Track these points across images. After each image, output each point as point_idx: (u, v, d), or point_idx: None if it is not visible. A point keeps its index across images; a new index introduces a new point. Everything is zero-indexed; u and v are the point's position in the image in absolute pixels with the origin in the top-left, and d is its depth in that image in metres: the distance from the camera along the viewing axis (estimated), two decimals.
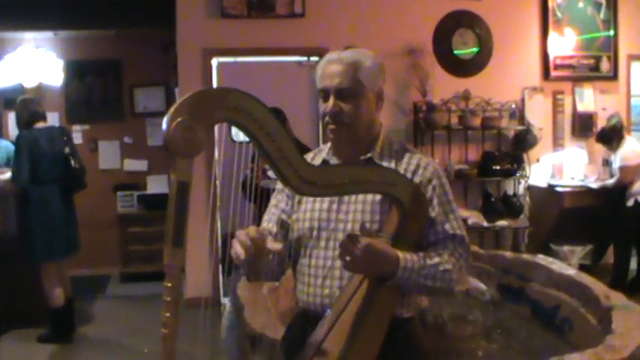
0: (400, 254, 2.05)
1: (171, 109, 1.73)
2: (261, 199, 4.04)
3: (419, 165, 2.21)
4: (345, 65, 2.18)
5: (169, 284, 1.78)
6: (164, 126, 1.72)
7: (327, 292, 2.20)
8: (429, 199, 2.17)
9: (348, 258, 1.97)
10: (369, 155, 2.23)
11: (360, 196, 2.19)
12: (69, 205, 5.93)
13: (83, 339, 6.00)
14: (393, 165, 2.21)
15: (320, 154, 2.36)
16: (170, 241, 1.76)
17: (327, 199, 2.23)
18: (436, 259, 2.11)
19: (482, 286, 4.17)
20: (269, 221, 2.35)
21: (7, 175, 6.02)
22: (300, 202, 2.30)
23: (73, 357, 5.70)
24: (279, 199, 2.38)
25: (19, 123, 5.94)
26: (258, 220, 2.45)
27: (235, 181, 2.30)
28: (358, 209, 2.19)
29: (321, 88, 2.21)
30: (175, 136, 1.71)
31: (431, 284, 2.10)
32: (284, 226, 2.33)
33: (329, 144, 2.34)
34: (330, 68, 2.20)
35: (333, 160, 2.29)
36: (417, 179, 2.18)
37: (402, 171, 2.18)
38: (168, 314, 1.79)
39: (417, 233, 2.14)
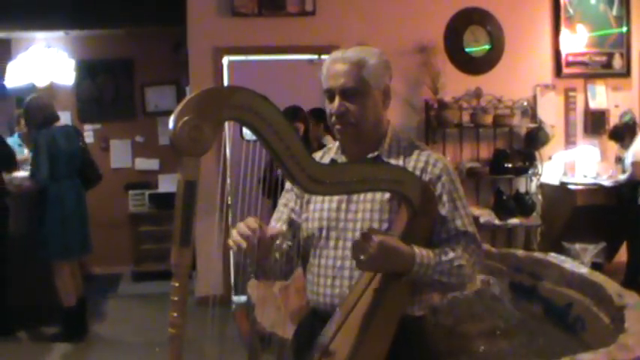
0: (416, 250, 2.04)
1: (178, 108, 1.72)
2: (276, 193, 4.04)
3: (428, 162, 2.20)
4: (350, 64, 2.16)
5: (177, 284, 1.77)
6: (171, 125, 1.71)
7: (337, 292, 2.19)
8: (438, 196, 2.16)
9: (362, 257, 1.96)
10: (376, 153, 2.22)
11: (369, 195, 2.18)
12: (83, 205, 5.97)
13: (95, 338, 6.01)
14: (401, 162, 2.20)
15: (329, 153, 2.35)
16: (177, 241, 1.76)
17: (335, 199, 2.23)
18: (451, 255, 2.10)
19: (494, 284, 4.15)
20: (278, 220, 2.35)
21: (22, 173, 6.07)
22: (309, 202, 2.30)
23: (85, 356, 5.71)
24: (289, 199, 2.38)
25: (32, 123, 5.96)
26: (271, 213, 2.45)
27: (243, 179, 2.29)
28: (367, 208, 2.18)
29: (327, 88, 2.20)
30: (182, 135, 1.70)
31: (446, 280, 2.09)
32: (293, 225, 2.33)
33: (337, 143, 2.33)
34: (334, 68, 2.18)
35: (342, 159, 2.28)
36: (426, 176, 2.16)
37: (410, 168, 2.17)
38: (175, 314, 1.78)
39: (427, 231, 2.14)
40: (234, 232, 2.00)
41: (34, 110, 5.88)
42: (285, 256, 2.25)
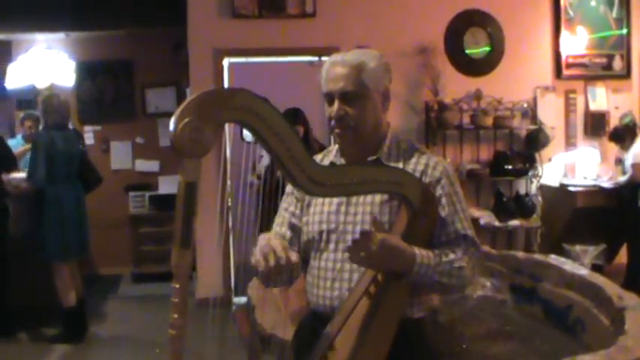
0: (417, 250, 2.04)
1: (179, 110, 1.73)
2: (277, 194, 4.05)
3: (427, 165, 2.20)
4: (349, 68, 2.16)
5: (177, 285, 1.78)
6: (171, 126, 1.71)
7: (337, 294, 2.20)
8: (438, 199, 2.16)
9: (363, 254, 1.96)
10: (376, 156, 2.22)
11: (369, 198, 2.18)
12: (81, 207, 5.97)
13: (95, 339, 6.02)
14: (401, 165, 2.20)
15: (328, 156, 2.35)
16: (178, 242, 1.76)
17: (335, 202, 2.23)
18: (451, 256, 2.11)
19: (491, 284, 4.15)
20: (281, 225, 2.35)
21: (21, 174, 6.06)
22: (309, 205, 2.30)
23: (85, 357, 5.72)
24: (289, 202, 2.38)
25: (46, 119, 5.94)
26: (272, 216, 2.45)
27: (244, 181, 2.30)
28: (367, 211, 2.18)
29: (326, 92, 2.20)
30: (183, 137, 1.71)
31: (446, 281, 2.10)
32: (294, 229, 2.33)
33: (337, 145, 2.33)
34: (334, 71, 2.19)
35: (341, 162, 2.29)
36: (426, 179, 2.17)
37: (410, 171, 2.17)
38: (176, 315, 1.78)
39: (427, 232, 2.14)
40: (257, 251, 2.01)
41: (51, 107, 5.84)
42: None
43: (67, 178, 5.83)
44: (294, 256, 2.00)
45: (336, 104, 2.16)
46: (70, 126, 7.21)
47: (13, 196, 6.02)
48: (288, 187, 2.36)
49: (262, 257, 1.97)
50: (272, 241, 2.03)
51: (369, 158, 2.22)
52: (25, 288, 6.00)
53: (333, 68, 2.19)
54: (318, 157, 2.36)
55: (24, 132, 7.27)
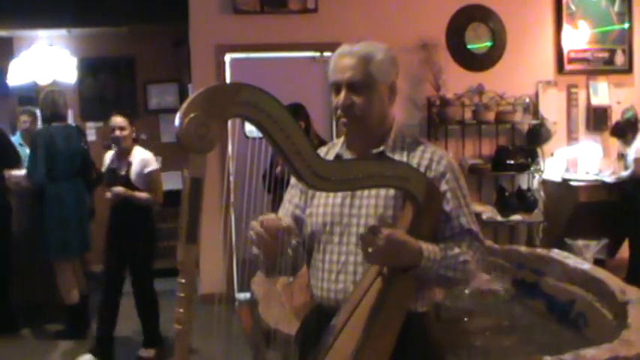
0: (423, 244, 2.05)
1: (184, 105, 1.73)
2: (276, 189, 4.04)
3: (432, 159, 2.19)
4: (357, 58, 2.17)
5: (183, 280, 1.78)
6: (177, 122, 1.72)
7: (341, 287, 2.20)
8: (442, 193, 2.16)
9: (370, 250, 1.97)
10: (381, 148, 2.22)
11: (374, 191, 2.18)
12: (82, 204, 5.96)
13: None
14: (405, 158, 2.20)
15: (333, 149, 2.35)
16: (184, 238, 1.76)
17: (340, 195, 2.23)
18: (456, 250, 2.11)
19: (498, 288, 4.15)
20: (284, 216, 2.35)
21: (22, 171, 6.07)
22: (313, 198, 2.30)
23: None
24: (293, 195, 2.38)
25: (41, 115, 5.96)
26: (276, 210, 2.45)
27: (249, 177, 2.29)
28: (371, 204, 2.18)
29: (333, 82, 2.21)
30: (189, 132, 1.71)
31: (450, 275, 2.10)
32: (298, 221, 2.33)
33: (342, 138, 2.33)
34: (341, 61, 2.19)
35: (347, 154, 2.28)
36: (430, 174, 2.16)
37: (414, 165, 2.17)
38: (182, 310, 1.79)
39: (431, 228, 2.13)
40: (253, 224, 2.03)
41: (44, 103, 5.86)
42: (294, 252, 2.26)
43: (68, 176, 5.82)
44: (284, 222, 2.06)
45: (343, 93, 2.17)
46: (73, 123, 7.23)
47: (15, 193, 6.02)
48: (293, 179, 2.35)
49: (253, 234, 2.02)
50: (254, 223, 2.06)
51: (374, 150, 2.22)
52: (28, 285, 6.01)
53: (341, 59, 2.20)
54: (322, 150, 2.36)
55: (20, 129, 7.26)
